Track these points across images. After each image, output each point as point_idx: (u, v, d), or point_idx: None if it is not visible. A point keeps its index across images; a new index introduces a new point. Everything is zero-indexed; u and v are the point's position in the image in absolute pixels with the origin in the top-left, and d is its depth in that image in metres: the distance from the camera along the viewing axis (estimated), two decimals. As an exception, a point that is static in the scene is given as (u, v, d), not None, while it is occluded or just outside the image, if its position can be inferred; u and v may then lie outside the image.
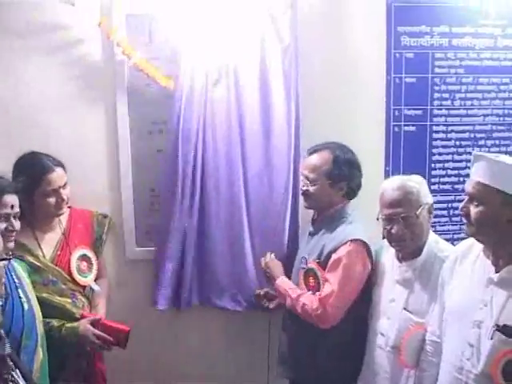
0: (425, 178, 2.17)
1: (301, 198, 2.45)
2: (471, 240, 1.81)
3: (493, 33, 2.73)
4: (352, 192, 2.28)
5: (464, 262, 1.83)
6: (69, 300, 2.21)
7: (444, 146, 2.78)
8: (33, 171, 2.16)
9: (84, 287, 2.30)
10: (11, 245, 1.89)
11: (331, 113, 2.64)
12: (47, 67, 2.50)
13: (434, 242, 2.05)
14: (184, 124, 2.48)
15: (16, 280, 1.90)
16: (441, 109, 2.75)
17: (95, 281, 2.37)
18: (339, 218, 2.24)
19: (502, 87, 2.78)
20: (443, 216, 2.81)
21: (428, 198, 2.04)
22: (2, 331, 1.63)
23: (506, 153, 2.68)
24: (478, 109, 2.78)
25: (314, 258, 2.22)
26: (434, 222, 2.24)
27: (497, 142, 2.81)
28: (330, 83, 2.63)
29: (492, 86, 2.77)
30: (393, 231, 2.01)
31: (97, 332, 2.16)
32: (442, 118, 2.76)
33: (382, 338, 2.08)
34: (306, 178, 2.27)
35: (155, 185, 2.64)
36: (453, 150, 2.79)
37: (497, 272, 1.68)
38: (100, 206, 2.52)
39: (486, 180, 1.65)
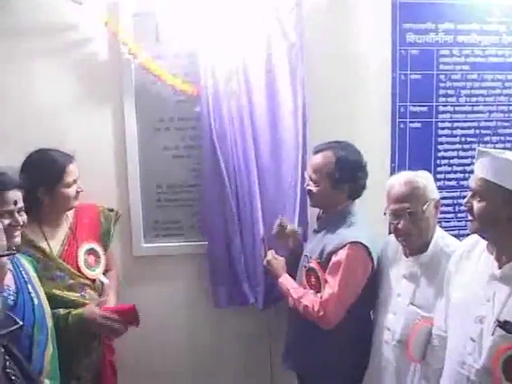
0: (430, 174, 2.16)
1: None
2: (476, 236, 1.82)
3: (498, 30, 2.74)
4: (355, 193, 2.26)
5: (469, 258, 1.84)
6: (77, 294, 2.22)
7: (449, 143, 2.79)
8: (55, 164, 2.20)
9: (93, 281, 2.31)
10: (17, 240, 1.90)
11: (337, 109, 2.65)
12: (55, 66, 2.53)
13: (441, 238, 2.05)
14: (216, 121, 2.51)
15: (25, 275, 1.91)
16: (446, 105, 2.76)
17: (104, 274, 2.38)
18: (341, 219, 2.23)
19: (507, 84, 2.78)
20: (449, 212, 2.82)
21: (435, 194, 2.04)
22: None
23: (511, 149, 2.68)
24: (484, 105, 2.78)
25: (316, 257, 2.23)
26: (440, 218, 2.25)
27: (502, 138, 2.82)
28: (335, 80, 2.64)
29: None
30: (399, 226, 2.02)
31: (103, 313, 2.16)
32: (448, 115, 2.77)
33: (388, 332, 2.09)
34: (310, 177, 2.28)
35: (162, 181, 2.67)
36: (458, 146, 2.80)
37: (500, 268, 1.68)
38: (107, 203, 2.53)
39: (489, 176, 1.65)
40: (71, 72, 2.54)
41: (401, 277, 2.10)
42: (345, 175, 2.20)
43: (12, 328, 1.26)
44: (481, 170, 1.70)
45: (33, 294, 1.88)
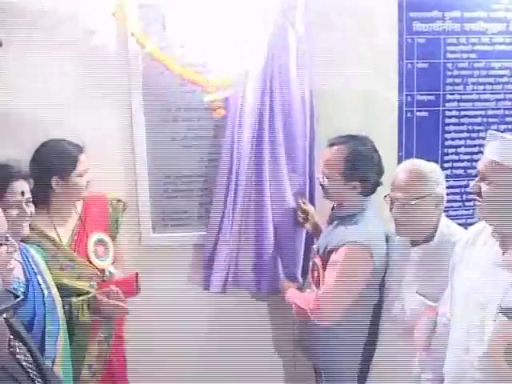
0: (437, 163, 2.17)
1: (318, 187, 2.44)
2: (482, 224, 1.81)
3: (505, 17, 2.73)
4: (368, 190, 2.21)
5: (474, 245, 1.83)
6: (87, 284, 2.22)
7: (456, 131, 2.79)
8: (69, 154, 2.23)
9: (102, 271, 2.32)
10: (26, 230, 1.92)
11: (344, 99, 2.66)
12: (62, 57, 2.53)
13: (446, 227, 2.05)
14: (242, 116, 2.54)
15: (34, 266, 1.92)
16: (453, 94, 2.75)
17: (113, 264, 2.39)
18: (349, 215, 2.22)
19: (514, 71, 2.77)
20: (456, 201, 2.82)
21: (437, 189, 2.01)
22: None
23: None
24: (491, 93, 2.78)
25: (321, 252, 2.24)
26: (447, 207, 2.25)
27: (510, 126, 2.81)
28: (342, 70, 2.64)
29: (504, 71, 2.77)
30: (391, 213, 2.05)
31: (104, 289, 2.17)
32: (455, 103, 2.76)
33: (394, 321, 2.10)
34: (322, 171, 2.25)
35: (170, 172, 2.69)
36: (465, 134, 2.79)
37: (504, 254, 1.68)
38: (116, 193, 2.53)
39: (499, 158, 1.64)
40: (79, 63, 2.54)
41: (407, 266, 2.10)
42: (356, 172, 2.16)
43: (13, 302, 1.25)
44: (491, 152, 1.68)
45: (43, 286, 1.90)
